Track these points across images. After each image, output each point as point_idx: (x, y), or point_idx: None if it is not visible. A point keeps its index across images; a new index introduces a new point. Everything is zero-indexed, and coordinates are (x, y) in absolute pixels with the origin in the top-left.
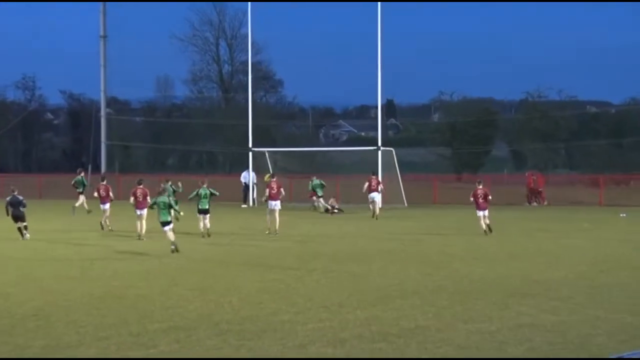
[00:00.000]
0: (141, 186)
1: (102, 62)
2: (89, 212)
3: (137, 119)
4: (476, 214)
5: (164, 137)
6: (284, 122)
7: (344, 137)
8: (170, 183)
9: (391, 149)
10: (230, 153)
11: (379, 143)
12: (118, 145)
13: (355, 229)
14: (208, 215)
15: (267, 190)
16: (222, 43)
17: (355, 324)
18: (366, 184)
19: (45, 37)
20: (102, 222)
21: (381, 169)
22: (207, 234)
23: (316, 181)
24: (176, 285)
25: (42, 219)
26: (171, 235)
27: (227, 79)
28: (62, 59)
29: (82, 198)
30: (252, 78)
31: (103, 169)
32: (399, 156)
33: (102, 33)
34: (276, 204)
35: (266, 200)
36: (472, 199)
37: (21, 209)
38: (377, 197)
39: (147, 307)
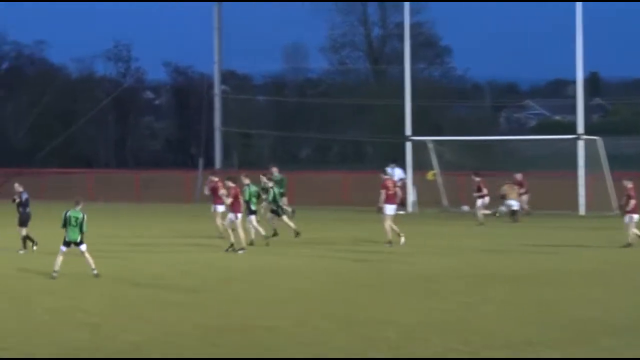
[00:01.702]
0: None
1: (215, 26)
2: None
3: (261, 98)
4: (629, 221)
5: (296, 122)
6: (453, 102)
7: (532, 123)
8: (264, 180)
9: (596, 137)
10: (382, 143)
11: (580, 130)
12: (236, 133)
13: (543, 242)
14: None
15: (383, 192)
16: None
17: None
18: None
19: None
20: (222, 226)
21: (583, 164)
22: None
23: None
24: (312, 313)
25: (139, 226)
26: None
27: (378, 47)
28: (165, 23)
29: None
30: (410, 45)
31: (218, 163)
32: (608, 147)
33: None
34: (393, 209)
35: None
36: (633, 201)
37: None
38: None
39: (278, 342)
